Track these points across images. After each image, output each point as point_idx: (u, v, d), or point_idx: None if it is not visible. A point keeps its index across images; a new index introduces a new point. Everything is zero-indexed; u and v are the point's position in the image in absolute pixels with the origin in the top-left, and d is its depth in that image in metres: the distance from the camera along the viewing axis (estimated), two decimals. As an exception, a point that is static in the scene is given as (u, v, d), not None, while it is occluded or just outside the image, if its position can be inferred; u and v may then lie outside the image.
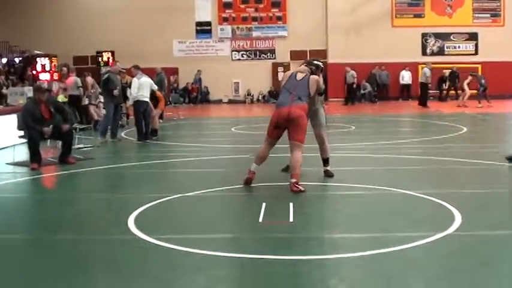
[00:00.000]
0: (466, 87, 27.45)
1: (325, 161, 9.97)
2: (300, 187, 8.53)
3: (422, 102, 28.27)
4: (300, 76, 9.23)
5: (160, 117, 19.18)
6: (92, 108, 19.20)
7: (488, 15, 34.52)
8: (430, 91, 30.19)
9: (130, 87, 16.73)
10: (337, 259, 5.59)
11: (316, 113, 9.93)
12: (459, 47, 34.68)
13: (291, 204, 7.62)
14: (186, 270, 5.42)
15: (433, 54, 34.51)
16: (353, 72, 31.47)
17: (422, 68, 29.73)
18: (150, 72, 18.25)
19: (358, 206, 7.91)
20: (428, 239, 6.00)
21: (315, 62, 9.78)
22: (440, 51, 34.71)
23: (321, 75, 9.75)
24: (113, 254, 5.97)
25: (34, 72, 20.64)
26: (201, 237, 6.51)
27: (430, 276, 5.12)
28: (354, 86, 32.05)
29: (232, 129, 19.17)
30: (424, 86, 28.38)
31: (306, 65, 9.70)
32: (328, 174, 9.82)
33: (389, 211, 7.59)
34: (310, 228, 6.77)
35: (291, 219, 7.03)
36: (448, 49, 34.74)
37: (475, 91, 27.03)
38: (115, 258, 5.86)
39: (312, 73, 9.43)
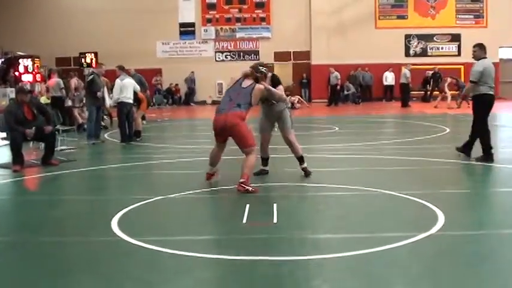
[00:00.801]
0: (446, 89, 27.65)
1: (300, 160, 9.95)
2: (248, 187, 8.58)
3: (404, 103, 28.71)
4: (246, 84, 9.15)
5: (143, 118, 19.10)
6: (76, 111, 19.10)
7: (471, 16, 34.78)
8: (414, 92, 30.44)
9: (107, 89, 16.73)
10: (321, 260, 5.60)
11: (281, 115, 9.88)
12: (442, 48, 34.92)
13: (275, 205, 7.63)
14: (169, 272, 5.40)
15: (416, 55, 34.73)
16: (337, 73, 31.59)
17: (404, 69, 29.90)
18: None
19: (341, 207, 7.92)
20: (411, 239, 6.02)
21: (261, 68, 9.42)
22: (424, 53, 34.93)
23: (266, 81, 9.51)
24: (96, 256, 5.93)
25: (17, 73, 20.49)
26: (184, 238, 6.49)
27: (413, 276, 5.14)
28: (338, 87, 32.13)
29: (216, 130, 19.12)
30: (404, 86, 28.81)
31: (252, 71, 9.51)
32: (306, 172, 9.84)
33: (372, 212, 7.60)
34: (294, 229, 6.76)
35: (275, 220, 7.03)
36: (431, 50, 34.97)
37: (455, 92, 27.19)
38: (98, 260, 5.82)
39: (257, 80, 9.26)
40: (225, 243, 6.33)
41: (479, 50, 11.39)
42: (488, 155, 11.07)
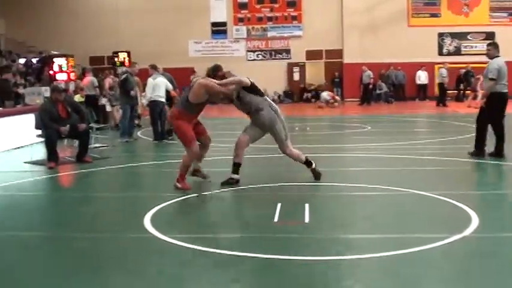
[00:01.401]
0: (478, 88, 27.33)
1: (306, 164, 9.39)
2: (178, 184, 8.76)
3: (440, 102, 28.50)
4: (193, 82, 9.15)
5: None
6: (114, 111, 19.29)
7: (506, 14, 34.30)
8: (449, 91, 30.10)
9: (138, 88, 16.88)
10: (352, 260, 5.58)
11: (272, 128, 9.16)
12: (476, 46, 34.43)
13: (307, 205, 7.60)
14: (200, 269, 5.43)
15: (449, 54, 34.34)
16: (369, 72, 31.42)
17: (440, 68, 29.62)
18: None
19: (374, 207, 7.88)
20: (444, 241, 5.96)
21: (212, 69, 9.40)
22: (457, 51, 34.52)
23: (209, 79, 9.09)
24: (128, 253, 6.00)
25: (51, 72, 20.73)
26: (215, 236, 6.54)
27: (446, 278, 5.10)
28: (370, 86, 31.95)
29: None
30: (441, 86, 28.65)
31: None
32: (315, 174, 9.36)
33: (405, 212, 7.56)
34: (325, 229, 6.75)
35: (307, 220, 7.03)
36: (465, 49, 34.54)
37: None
38: (130, 256, 5.88)
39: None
40: (256, 241, 6.33)
41: (494, 49, 11.63)
42: (481, 151, 11.49)
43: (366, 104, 31.13)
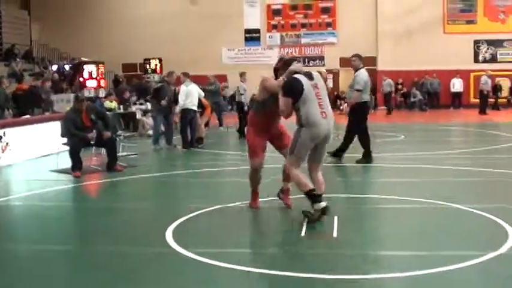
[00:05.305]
0: None
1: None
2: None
3: (482, 111, 28.16)
4: None
5: (206, 124, 19.01)
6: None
7: (543, 21, 33.63)
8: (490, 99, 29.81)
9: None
10: (380, 279, 5.30)
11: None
12: (512, 54, 33.88)
13: (336, 218, 7.31)
14: (220, 286, 5.20)
15: (485, 61, 33.70)
16: (390, 80, 31.64)
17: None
18: (203, 80, 18.33)
19: (405, 221, 7.59)
20: (479, 259, 5.63)
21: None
22: (493, 59, 33.87)
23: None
24: (147, 267, 5.78)
25: (81, 79, 20.74)
26: (239, 251, 6.30)
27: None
28: (393, 95, 32.22)
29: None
30: (481, 93, 28.40)
31: None
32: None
33: (437, 227, 7.22)
34: (353, 245, 6.44)
35: (335, 234, 6.74)
36: (501, 56, 33.90)
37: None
38: (149, 271, 5.66)
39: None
40: (280, 257, 6.11)
41: (358, 60, 12.40)
42: (369, 156, 12.17)
43: (387, 114, 30.34)
